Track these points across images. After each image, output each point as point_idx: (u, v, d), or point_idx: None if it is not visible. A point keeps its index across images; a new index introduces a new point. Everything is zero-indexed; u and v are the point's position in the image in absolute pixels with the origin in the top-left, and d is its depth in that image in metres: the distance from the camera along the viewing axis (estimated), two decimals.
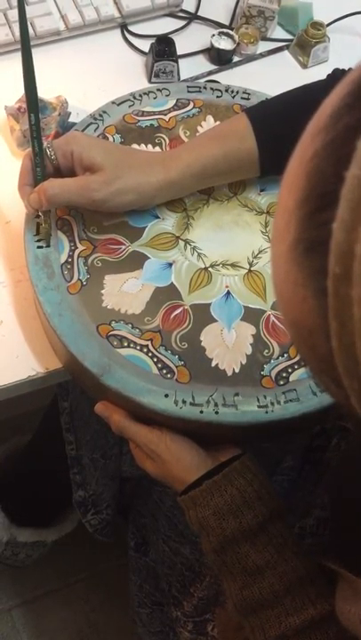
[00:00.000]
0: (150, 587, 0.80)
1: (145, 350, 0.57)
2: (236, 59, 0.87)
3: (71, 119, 0.79)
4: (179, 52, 0.83)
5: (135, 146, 0.66)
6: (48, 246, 0.61)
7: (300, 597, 0.55)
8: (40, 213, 0.61)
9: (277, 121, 0.61)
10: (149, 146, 0.66)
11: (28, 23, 0.83)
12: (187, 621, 0.73)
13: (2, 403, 0.66)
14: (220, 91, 0.70)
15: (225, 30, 0.85)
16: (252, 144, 0.61)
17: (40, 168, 0.60)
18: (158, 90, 0.69)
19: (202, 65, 0.86)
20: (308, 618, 0.54)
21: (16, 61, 0.85)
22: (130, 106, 0.68)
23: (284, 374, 0.58)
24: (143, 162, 0.61)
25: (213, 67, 0.86)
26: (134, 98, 0.69)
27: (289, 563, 0.56)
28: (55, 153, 0.60)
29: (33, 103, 0.60)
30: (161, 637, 0.81)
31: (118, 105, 0.68)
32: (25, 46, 0.59)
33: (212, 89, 0.70)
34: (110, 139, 0.66)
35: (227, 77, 0.85)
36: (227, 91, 0.70)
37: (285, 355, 0.59)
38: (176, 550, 0.73)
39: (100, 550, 1.07)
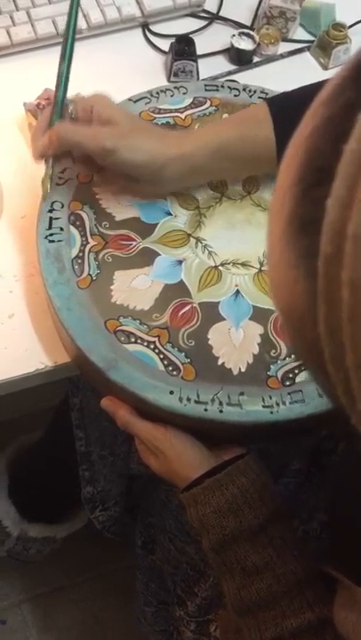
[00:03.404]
0: (156, 585, 0.80)
1: (152, 347, 0.57)
2: (256, 59, 0.86)
3: None
4: (199, 52, 0.84)
5: None
6: (44, 199, 0.62)
7: (297, 600, 0.54)
8: (45, 162, 0.61)
9: (297, 112, 0.61)
10: None
11: (50, 22, 0.84)
12: (190, 621, 0.73)
13: (15, 399, 0.67)
14: (237, 90, 0.70)
15: (245, 31, 0.85)
16: (270, 132, 0.61)
17: (56, 116, 0.61)
18: (176, 88, 0.70)
19: (221, 65, 0.86)
20: (305, 621, 0.53)
21: (37, 59, 0.86)
22: (146, 103, 0.68)
23: (291, 375, 0.58)
24: (160, 132, 0.62)
25: (233, 67, 0.86)
26: (151, 95, 0.69)
27: (288, 565, 0.55)
28: (76, 106, 0.61)
29: (68, 53, 0.63)
30: (165, 636, 0.81)
31: (135, 102, 0.68)
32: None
33: (229, 87, 0.70)
34: None
35: (246, 78, 0.85)
36: (244, 90, 0.70)
37: (293, 355, 0.59)
38: (181, 549, 0.73)
39: (109, 550, 1.07)
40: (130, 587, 0.86)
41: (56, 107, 0.61)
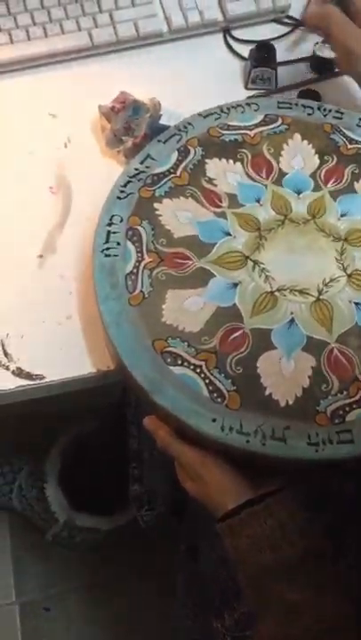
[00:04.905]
0: (196, 593, 0.80)
1: (198, 371, 0.56)
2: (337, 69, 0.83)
3: (163, 121, 0.79)
4: (280, 59, 0.81)
5: (216, 160, 0.65)
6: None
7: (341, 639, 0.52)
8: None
9: None
10: (230, 161, 0.65)
11: (131, 24, 0.84)
12: (226, 634, 0.72)
13: (71, 394, 0.68)
14: (311, 108, 0.67)
15: None
16: None
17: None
18: (247, 104, 0.67)
19: (302, 73, 0.83)
20: None
21: (116, 62, 0.86)
22: (216, 119, 0.67)
23: (341, 412, 0.56)
24: None
25: (314, 75, 0.83)
26: (221, 111, 0.67)
27: (329, 604, 0.53)
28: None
29: None
30: None
31: (205, 117, 0.67)
32: None
33: (303, 106, 0.67)
34: (192, 151, 0.65)
35: (326, 87, 0.81)
36: (319, 109, 0.67)
37: (345, 392, 0.56)
38: (223, 560, 0.73)
39: (153, 550, 1.08)
40: (173, 589, 0.86)
41: None
